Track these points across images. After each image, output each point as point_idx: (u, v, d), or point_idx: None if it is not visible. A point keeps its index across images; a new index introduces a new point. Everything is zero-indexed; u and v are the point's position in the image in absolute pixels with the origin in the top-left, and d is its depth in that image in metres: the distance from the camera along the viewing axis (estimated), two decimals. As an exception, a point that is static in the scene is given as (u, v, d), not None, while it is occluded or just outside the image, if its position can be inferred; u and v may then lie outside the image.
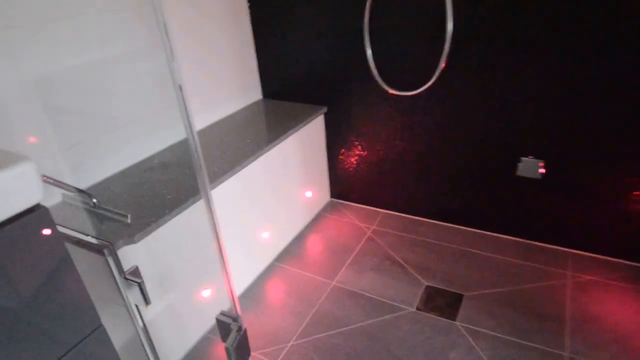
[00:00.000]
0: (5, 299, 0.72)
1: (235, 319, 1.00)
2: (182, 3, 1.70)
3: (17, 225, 0.71)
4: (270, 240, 1.90)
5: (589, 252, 1.80)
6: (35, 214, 0.73)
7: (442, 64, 1.71)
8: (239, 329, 0.95)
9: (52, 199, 1.36)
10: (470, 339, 1.48)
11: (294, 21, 1.98)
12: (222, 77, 1.98)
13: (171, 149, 1.75)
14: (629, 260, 1.74)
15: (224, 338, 0.96)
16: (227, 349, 0.93)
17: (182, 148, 1.75)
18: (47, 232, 0.76)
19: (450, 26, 1.64)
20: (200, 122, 1.92)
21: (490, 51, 1.62)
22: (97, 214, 1.29)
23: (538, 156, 1.70)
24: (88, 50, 1.38)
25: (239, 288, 1.76)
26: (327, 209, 2.29)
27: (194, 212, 1.41)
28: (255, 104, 2.19)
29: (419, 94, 1.83)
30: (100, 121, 1.47)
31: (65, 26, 1.31)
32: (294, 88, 2.16)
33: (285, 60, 2.10)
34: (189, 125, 0.85)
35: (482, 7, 1.57)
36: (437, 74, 1.74)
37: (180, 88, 0.81)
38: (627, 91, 1.47)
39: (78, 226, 1.23)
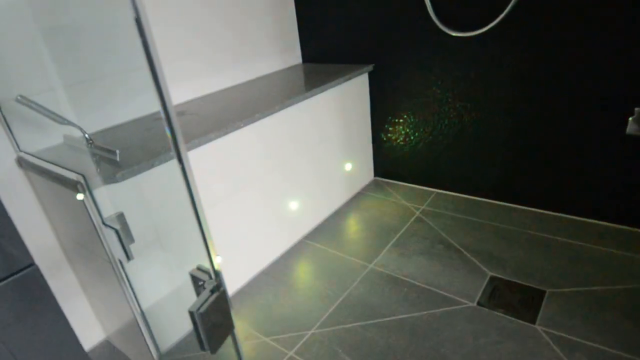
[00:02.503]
0: None
1: (211, 275, 0.69)
2: None
3: None
4: (301, 213, 1.59)
5: None
6: None
7: (519, -7, 1.33)
8: (216, 288, 0.64)
9: (52, 140, 1.14)
10: (557, 348, 1.05)
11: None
12: (259, 36, 1.72)
13: (192, 102, 1.50)
14: None
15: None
16: (191, 314, 0.62)
17: (200, 102, 1.50)
18: None
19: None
20: (228, 80, 1.66)
21: (590, -35, 1.21)
22: (92, 154, 1.06)
23: (657, 107, 1.25)
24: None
25: (259, 264, 1.45)
26: (371, 187, 1.94)
27: (195, 157, 1.14)
28: (294, 66, 1.91)
29: (485, 33, 1.45)
30: (111, 63, 1.24)
31: None
32: (337, 49, 1.86)
33: (327, 19, 1.80)
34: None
35: None
36: (510, 6, 1.35)
37: (139, 23, 0.54)
38: None
39: (66, 164, 0.99)
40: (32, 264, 0.66)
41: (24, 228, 1.10)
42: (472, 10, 1.45)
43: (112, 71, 1.26)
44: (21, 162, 1.08)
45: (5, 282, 0.65)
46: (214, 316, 0.64)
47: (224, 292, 0.66)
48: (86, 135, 1.06)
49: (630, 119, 1.28)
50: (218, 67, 1.61)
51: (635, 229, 1.43)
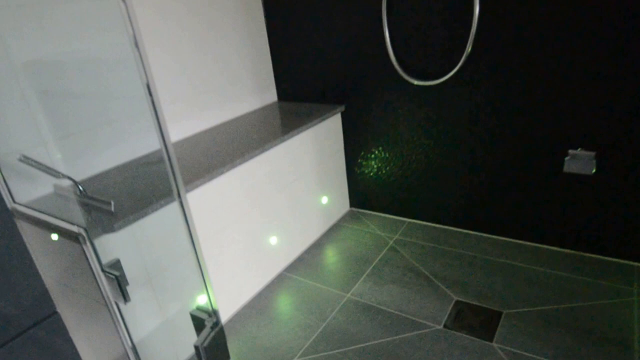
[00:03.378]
0: None
1: (211, 314, 0.81)
2: (198, 8, 1.63)
3: None
4: (280, 248, 1.71)
5: (658, 265, 1.49)
6: None
7: (468, 49, 1.52)
8: (215, 325, 0.76)
9: (42, 189, 1.25)
10: (511, 364, 1.20)
11: (308, 19, 1.86)
12: (236, 78, 1.87)
13: (176, 145, 1.63)
14: None
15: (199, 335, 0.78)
16: (196, 348, 0.74)
17: (184, 144, 1.63)
18: None
19: (476, 7, 1.46)
20: (207, 122, 1.79)
21: (524, 33, 1.41)
22: (84, 204, 1.17)
23: (589, 148, 1.45)
24: (89, 36, 1.30)
25: (241, 299, 1.56)
26: (347, 218, 2.08)
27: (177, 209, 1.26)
28: (270, 105, 2.06)
29: (443, 83, 1.63)
30: (98, 114, 1.36)
31: (62, 11, 1.23)
32: (310, 89, 2.02)
33: (301, 61, 1.97)
34: (158, 126, 0.71)
35: (514, -22, 1.38)
36: (463, 59, 1.55)
37: (148, 87, 0.69)
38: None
39: (61, 215, 1.10)
40: (55, 312, 0.75)
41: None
42: (430, 64, 1.64)
43: (99, 122, 1.37)
44: (14, 213, 1.17)
45: (28, 332, 0.74)
46: (215, 349, 0.76)
47: (222, 328, 0.78)
48: (80, 187, 1.17)
49: (565, 159, 1.47)
50: (199, 109, 1.74)
51: (578, 253, 1.61)
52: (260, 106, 2.05)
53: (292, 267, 1.75)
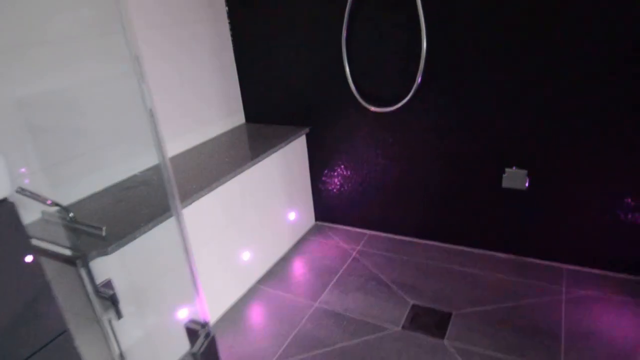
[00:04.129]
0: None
1: (204, 325, 0.93)
2: (165, 31, 1.73)
3: None
4: (252, 262, 1.83)
5: (583, 266, 1.73)
6: (3, 207, 0.71)
7: (418, 80, 1.72)
8: (207, 335, 0.88)
9: (31, 215, 1.31)
10: (460, 357, 1.38)
11: (274, 47, 2.01)
12: (207, 101, 1.98)
13: (152, 169, 1.72)
14: (625, 273, 1.67)
15: (192, 347, 0.89)
16: (193, 355, 0.85)
17: (156, 170, 1.72)
18: (12, 227, 0.73)
19: (424, 43, 1.66)
20: (182, 144, 1.90)
21: (465, 65, 1.63)
22: (74, 229, 1.25)
23: (522, 166, 1.67)
24: (69, 73, 1.38)
25: (217, 311, 1.67)
26: (313, 231, 2.23)
27: (169, 227, 1.36)
28: (238, 127, 2.19)
29: (397, 109, 1.83)
30: (80, 141, 1.44)
31: (46, 51, 1.31)
32: (276, 112, 2.16)
33: (267, 85, 2.12)
34: (159, 147, 0.83)
35: (455, 24, 1.59)
36: (414, 89, 1.74)
37: (151, 112, 0.81)
38: (611, 98, 1.46)
39: (53, 240, 1.17)
40: (65, 330, 0.84)
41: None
42: (386, 92, 1.83)
43: (83, 150, 1.46)
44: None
45: (39, 353, 0.82)
46: (208, 355, 0.88)
47: (214, 337, 0.90)
48: (70, 215, 1.25)
49: (503, 176, 1.70)
50: (173, 133, 1.84)
51: (516, 257, 1.83)
52: (230, 128, 2.17)
53: (264, 280, 1.88)
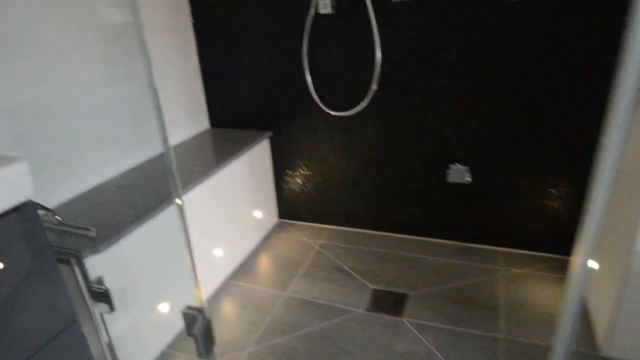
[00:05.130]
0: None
1: (200, 310, 1.04)
2: (127, 34, 1.79)
3: (13, 216, 0.77)
4: (223, 259, 1.93)
5: (516, 248, 2.00)
6: (27, 207, 0.80)
7: (373, 87, 1.91)
8: (204, 318, 0.99)
9: None
10: (416, 331, 1.58)
11: (239, 55, 2.12)
12: (170, 107, 2.05)
13: (128, 173, 1.77)
14: (550, 253, 1.95)
15: (189, 331, 1.00)
16: (194, 335, 0.97)
17: (138, 171, 1.78)
18: (36, 225, 0.82)
19: (378, 54, 1.85)
20: (149, 151, 1.94)
21: (415, 74, 1.84)
22: (60, 231, 1.29)
23: (464, 163, 1.91)
24: (49, 80, 1.42)
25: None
26: (276, 228, 2.36)
27: (153, 227, 1.44)
28: (204, 132, 2.27)
29: (355, 114, 2.01)
30: (59, 148, 1.48)
31: (29, 57, 1.35)
32: (240, 117, 2.27)
33: (231, 92, 2.22)
34: (164, 138, 0.94)
35: (405, 38, 1.80)
36: (369, 95, 1.93)
37: (159, 109, 0.92)
38: (536, 104, 1.72)
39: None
40: (74, 320, 0.92)
41: None
42: (344, 97, 2.00)
43: (59, 156, 1.50)
44: None
45: (58, 337, 0.90)
46: (206, 337, 0.99)
47: (209, 320, 1.02)
48: (57, 217, 1.31)
49: (448, 171, 1.93)
50: (142, 137, 1.90)
51: (460, 243, 2.08)
52: (196, 133, 2.25)
53: (235, 275, 1.98)
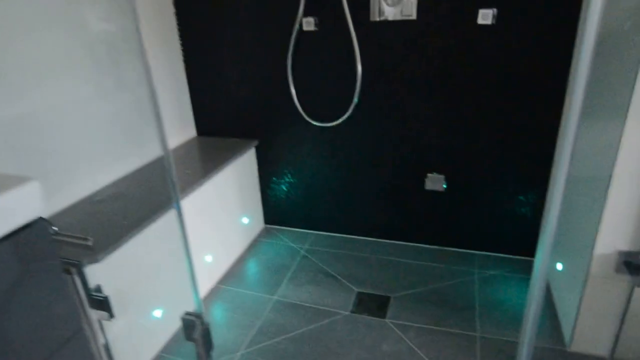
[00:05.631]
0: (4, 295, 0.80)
1: (199, 315, 1.11)
2: (115, 46, 1.84)
3: (25, 234, 0.84)
4: (212, 265, 2.00)
5: (490, 251, 2.14)
6: (38, 224, 0.86)
7: (355, 100, 2.01)
8: (203, 323, 1.07)
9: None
10: (399, 331, 1.69)
11: (225, 65, 2.19)
12: (162, 115, 2.09)
13: (117, 183, 1.82)
14: (520, 255, 2.10)
15: (189, 336, 1.07)
16: (194, 340, 1.04)
17: (127, 181, 1.83)
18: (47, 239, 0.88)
19: (359, 68, 1.95)
20: (137, 161, 1.98)
21: (394, 88, 1.95)
22: (59, 240, 1.33)
23: (441, 172, 2.03)
24: (35, 92, 1.46)
25: (186, 309, 1.81)
26: (263, 234, 2.43)
27: (149, 235, 1.50)
28: (191, 140, 2.33)
29: (338, 125, 2.10)
30: (50, 159, 1.52)
31: (17, 70, 1.39)
32: (226, 126, 2.34)
33: (218, 101, 2.29)
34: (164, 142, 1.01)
35: (384, 54, 1.91)
36: (352, 108, 2.03)
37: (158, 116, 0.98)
38: (504, 117, 1.86)
39: None
40: (81, 328, 0.98)
41: None
42: (328, 109, 2.10)
43: (51, 166, 1.55)
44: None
45: (60, 351, 0.96)
46: (206, 340, 1.07)
47: (208, 325, 1.09)
48: (54, 228, 1.35)
49: (425, 179, 2.05)
50: (132, 146, 1.94)
51: (438, 247, 2.20)
52: (184, 141, 2.30)
53: (224, 280, 2.05)
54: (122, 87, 1.85)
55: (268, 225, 2.52)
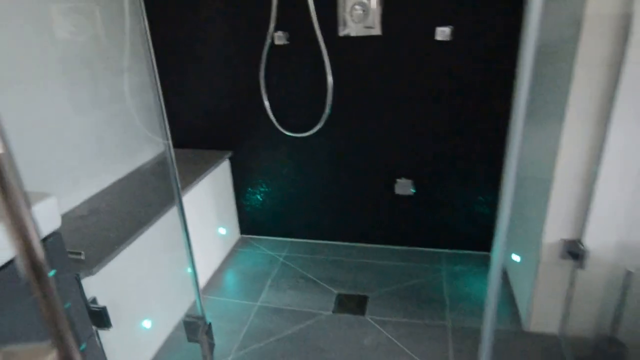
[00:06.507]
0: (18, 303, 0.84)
1: (201, 317, 1.17)
2: (87, 64, 1.86)
3: (45, 245, 0.89)
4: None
5: (455, 249, 2.31)
6: (56, 236, 0.91)
7: (327, 111, 2.14)
8: (205, 324, 1.13)
9: None
10: (378, 326, 1.81)
11: (199, 77, 2.25)
12: (130, 129, 2.10)
13: (91, 200, 1.83)
14: (482, 251, 2.28)
15: (191, 337, 1.13)
16: (199, 340, 1.10)
17: (107, 195, 1.85)
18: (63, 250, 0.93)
19: (330, 80, 2.08)
20: (111, 176, 1.99)
21: (364, 99, 2.10)
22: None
23: (409, 177, 2.19)
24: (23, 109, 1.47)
25: (173, 319, 1.84)
26: (239, 244, 2.49)
27: (138, 248, 1.54)
28: (164, 153, 2.34)
29: (311, 135, 2.21)
30: (30, 173, 1.52)
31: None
32: (200, 137, 2.39)
33: (192, 112, 2.34)
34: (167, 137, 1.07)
35: (353, 67, 2.05)
36: (324, 118, 2.15)
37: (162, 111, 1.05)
38: (463, 126, 2.05)
39: None
40: (92, 334, 1.02)
41: None
42: (300, 120, 2.21)
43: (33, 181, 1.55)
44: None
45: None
46: (209, 339, 1.13)
47: (210, 325, 1.16)
48: (44, 245, 1.36)
49: (395, 184, 2.20)
50: (106, 162, 1.96)
51: (409, 247, 2.36)
52: (158, 153, 2.31)
53: (206, 290, 2.09)
54: (100, 104, 1.88)
55: (244, 235, 2.58)
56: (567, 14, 1.45)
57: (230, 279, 2.18)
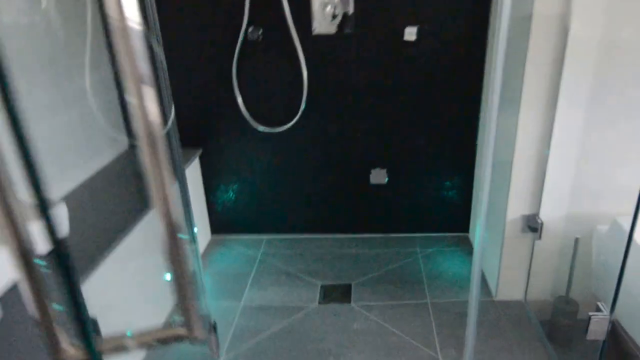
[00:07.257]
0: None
1: (207, 317, 1.15)
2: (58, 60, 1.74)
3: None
4: (170, 283, 1.96)
5: (428, 232, 2.40)
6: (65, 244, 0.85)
7: (302, 106, 2.14)
8: (210, 323, 1.11)
9: None
10: (365, 312, 1.85)
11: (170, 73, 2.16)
12: (85, 127, 1.94)
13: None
14: (451, 232, 2.39)
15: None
16: (207, 339, 1.08)
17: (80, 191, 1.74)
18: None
19: (305, 75, 2.08)
20: (70, 183, 1.84)
21: (338, 93, 2.12)
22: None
23: (383, 166, 2.25)
24: None
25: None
26: (212, 244, 2.43)
27: (122, 255, 1.47)
28: (124, 154, 2.19)
29: (286, 129, 2.21)
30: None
31: None
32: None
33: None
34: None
35: (327, 63, 2.07)
36: (299, 113, 2.15)
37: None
38: (432, 117, 2.13)
39: None
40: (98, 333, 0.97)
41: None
42: (275, 115, 2.19)
43: None
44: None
45: None
46: (214, 337, 1.11)
47: (215, 323, 1.13)
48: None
49: (370, 175, 2.25)
50: (78, 160, 1.83)
51: (384, 235, 2.42)
52: (117, 155, 2.14)
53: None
54: (67, 104, 1.76)
55: (215, 235, 2.52)
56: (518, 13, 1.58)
57: (208, 281, 2.13)
